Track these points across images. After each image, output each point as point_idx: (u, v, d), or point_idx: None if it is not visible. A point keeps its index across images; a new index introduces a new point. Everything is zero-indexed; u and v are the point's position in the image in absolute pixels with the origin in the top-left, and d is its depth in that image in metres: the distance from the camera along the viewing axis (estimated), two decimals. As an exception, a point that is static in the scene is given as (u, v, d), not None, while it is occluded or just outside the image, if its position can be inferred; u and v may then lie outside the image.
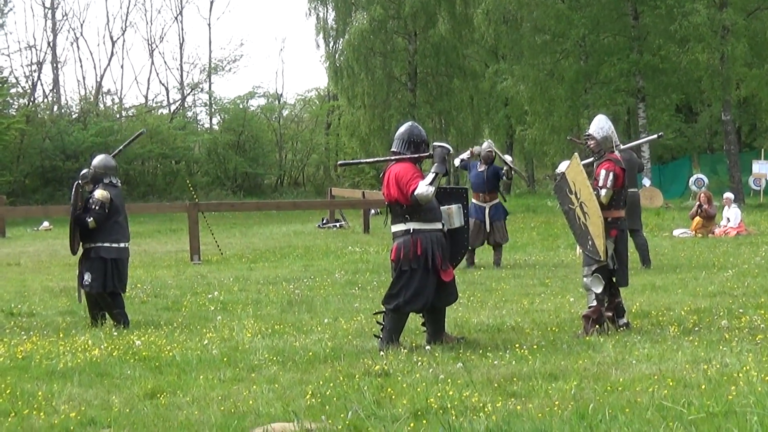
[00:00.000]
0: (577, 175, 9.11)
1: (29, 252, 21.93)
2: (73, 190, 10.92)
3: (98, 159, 11.23)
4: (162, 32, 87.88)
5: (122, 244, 10.99)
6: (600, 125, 9.40)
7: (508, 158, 16.11)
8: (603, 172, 9.12)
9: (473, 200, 15.61)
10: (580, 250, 9.65)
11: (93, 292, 10.77)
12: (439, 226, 8.68)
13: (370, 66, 38.97)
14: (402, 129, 8.89)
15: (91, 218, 10.75)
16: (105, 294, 10.79)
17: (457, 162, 16.42)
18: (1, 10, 46.04)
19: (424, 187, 8.39)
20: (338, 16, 40.51)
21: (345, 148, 53.71)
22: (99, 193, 10.84)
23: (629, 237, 14.04)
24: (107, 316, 10.80)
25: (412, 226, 8.56)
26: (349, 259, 18.21)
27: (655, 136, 13.67)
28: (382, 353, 8.18)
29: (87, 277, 10.76)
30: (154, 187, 47.08)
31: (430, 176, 8.43)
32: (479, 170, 15.79)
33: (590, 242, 8.93)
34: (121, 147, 11.92)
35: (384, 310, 8.67)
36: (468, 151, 16.20)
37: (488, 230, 15.75)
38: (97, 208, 10.75)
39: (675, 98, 37.45)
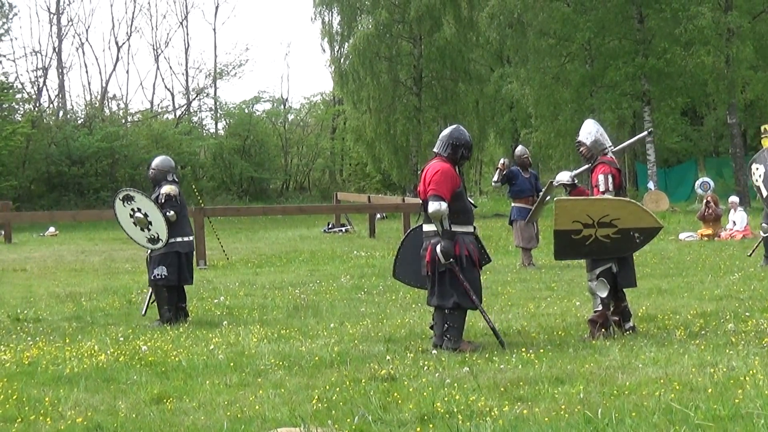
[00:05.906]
0: (574, 209, 8.90)
1: (35, 257, 21.94)
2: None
3: (159, 160, 11.55)
4: (167, 37, 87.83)
5: (191, 237, 11.48)
6: (588, 130, 9.32)
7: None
8: (601, 177, 9.04)
9: (522, 204, 16.56)
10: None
11: (167, 285, 11.02)
12: (470, 229, 8.65)
13: (376, 70, 38.98)
14: (445, 131, 8.87)
15: (172, 212, 11.04)
16: (174, 288, 11.12)
17: (494, 184, 17.45)
18: (7, 16, 46.05)
19: (440, 208, 8.35)
20: (343, 21, 40.54)
21: (350, 152, 53.79)
22: (167, 188, 11.18)
23: None
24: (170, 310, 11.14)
25: None
26: (354, 264, 18.20)
27: (645, 133, 13.66)
28: (456, 351, 8.29)
29: (161, 270, 10.97)
30: (160, 192, 46.96)
31: (447, 222, 8.38)
32: (525, 176, 16.70)
33: (636, 235, 8.86)
34: None
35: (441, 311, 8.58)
36: (496, 172, 17.12)
37: (537, 231, 16.73)
38: (166, 201, 11.08)
39: (680, 101, 37.40)
